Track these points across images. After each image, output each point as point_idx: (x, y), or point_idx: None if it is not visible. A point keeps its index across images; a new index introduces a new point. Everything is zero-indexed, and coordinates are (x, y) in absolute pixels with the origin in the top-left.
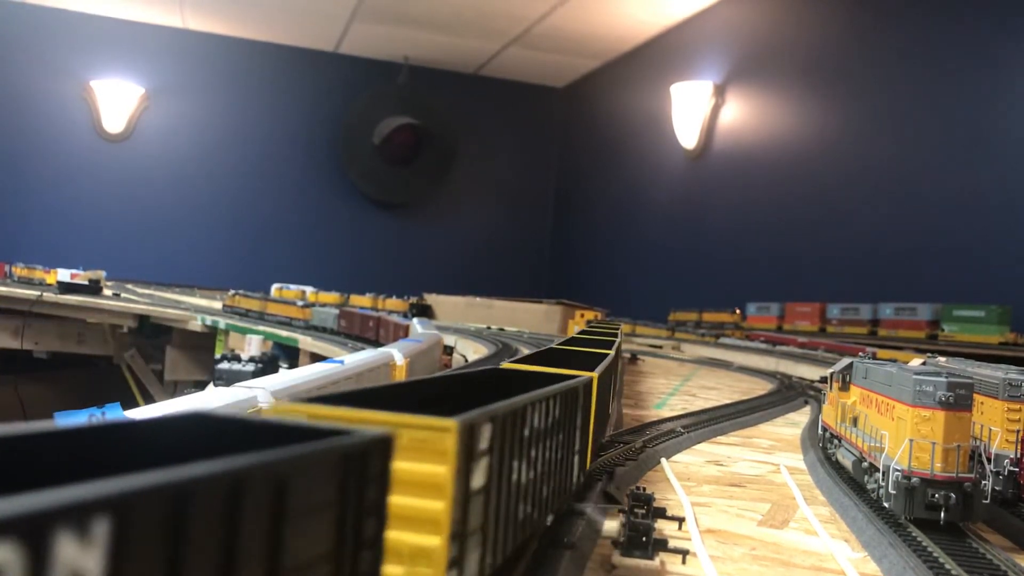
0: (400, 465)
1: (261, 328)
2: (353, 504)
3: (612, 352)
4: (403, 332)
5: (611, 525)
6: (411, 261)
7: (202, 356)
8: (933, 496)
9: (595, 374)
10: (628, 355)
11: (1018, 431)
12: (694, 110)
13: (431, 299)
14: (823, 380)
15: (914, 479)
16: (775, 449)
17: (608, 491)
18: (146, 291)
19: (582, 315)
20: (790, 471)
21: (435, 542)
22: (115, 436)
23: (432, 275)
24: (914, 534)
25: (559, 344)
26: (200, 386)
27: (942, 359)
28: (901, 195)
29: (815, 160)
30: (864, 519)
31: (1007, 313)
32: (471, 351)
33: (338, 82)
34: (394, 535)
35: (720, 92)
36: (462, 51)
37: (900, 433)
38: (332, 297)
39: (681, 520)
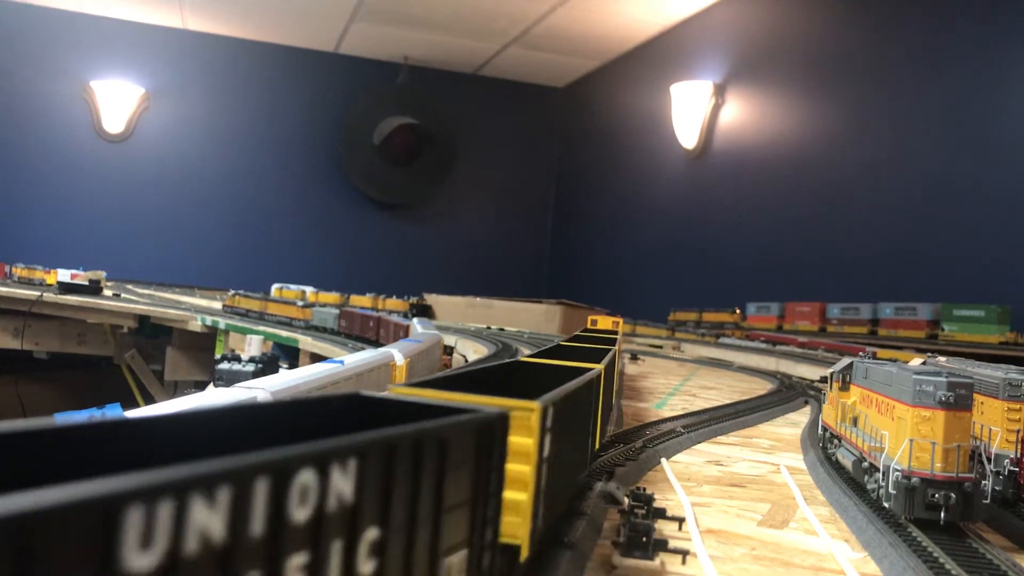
0: None
1: (261, 328)
2: (484, 463)
3: (614, 348)
4: (403, 332)
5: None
6: (411, 261)
7: (202, 356)
8: (933, 496)
9: (602, 366)
10: (628, 355)
11: (1018, 431)
12: (694, 110)
13: (431, 299)
14: (823, 380)
15: (914, 479)
16: (775, 449)
17: (609, 491)
18: (146, 291)
19: (593, 321)
20: (790, 471)
21: (524, 497)
22: (293, 410)
23: (432, 275)
24: (914, 534)
25: (564, 341)
26: (200, 386)
27: (942, 359)
28: (901, 195)
29: (815, 159)
30: (864, 519)
31: (1007, 313)
32: (471, 351)
33: (338, 82)
34: None
35: (720, 92)
36: (462, 51)
37: (900, 433)
38: (332, 297)
39: (681, 520)
